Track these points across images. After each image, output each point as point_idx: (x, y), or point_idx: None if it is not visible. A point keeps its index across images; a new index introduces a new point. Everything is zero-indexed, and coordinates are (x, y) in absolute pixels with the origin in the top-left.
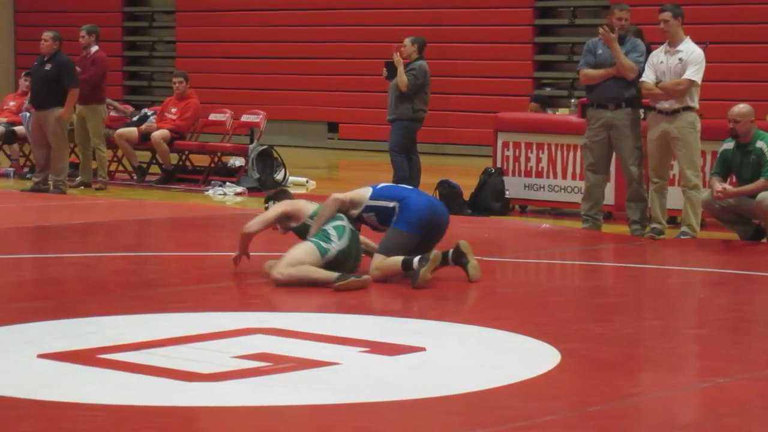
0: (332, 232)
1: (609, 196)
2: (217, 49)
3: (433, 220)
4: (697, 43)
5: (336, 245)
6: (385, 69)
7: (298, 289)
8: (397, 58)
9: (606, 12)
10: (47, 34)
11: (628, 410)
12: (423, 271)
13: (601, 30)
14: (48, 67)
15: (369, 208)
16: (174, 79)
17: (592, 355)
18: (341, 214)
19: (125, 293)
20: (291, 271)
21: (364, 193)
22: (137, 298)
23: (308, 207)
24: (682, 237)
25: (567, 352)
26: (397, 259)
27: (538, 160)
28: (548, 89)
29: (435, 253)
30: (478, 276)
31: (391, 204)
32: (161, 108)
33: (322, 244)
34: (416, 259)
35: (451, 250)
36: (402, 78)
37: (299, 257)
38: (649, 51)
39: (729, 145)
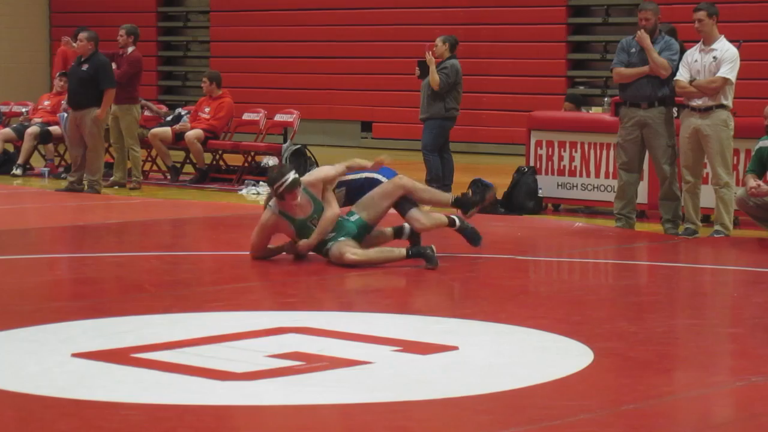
0: (353, 227)
1: (642, 194)
2: (250, 49)
3: None
4: (732, 41)
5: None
6: (417, 68)
7: (330, 288)
8: (429, 57)
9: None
10: (83, 35)
11: (661, 409)
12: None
13: (638, 34)
14: (85, 67)
15: (340, 184)
16: (203, 80)
17: (626, 353)
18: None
19: (159, 293)
20: (359, 254)
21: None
22: (171, 297)
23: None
24: (715, 236)
25: (600, 351)
26: (442, 217)
27: (572, 158)
28: (581, 88)
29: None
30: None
31: (361, 176)
32: (195, 108)
33: (350, 218)
34: (459, 222)
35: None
36: (434, 77)
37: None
38: (682, 50)
39: (765, 142)
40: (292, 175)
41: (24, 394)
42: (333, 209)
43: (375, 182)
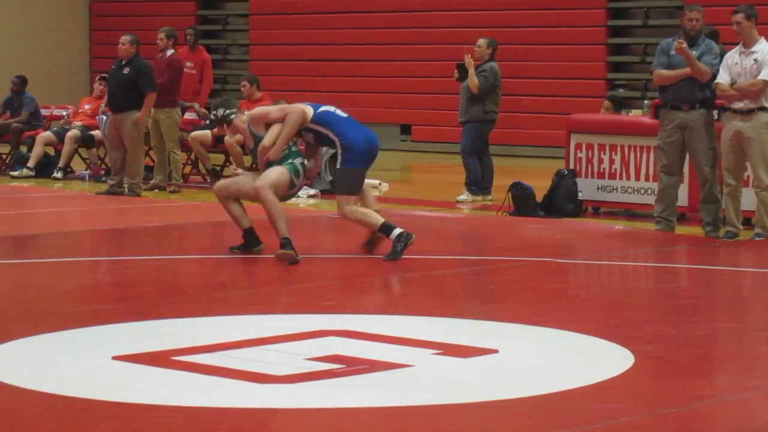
0: (300, 170)
1: (682, 197)
2: (290, 52)
3: (372, 151)
4: None
5: (298, 183)
6: (456, 71)
7: (370, 291)
8: (468, 60)
9: (679, 13)
10: (125, 38)
11: (702, 412)
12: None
13: (677, 45)
14: (126, 71)
15: (308, 129)
16: (241, 83)
17: (666, 357)
18: (298, 149)
19: (200, 295)
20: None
21: (308, 112)
22: (211, 300)
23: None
24: (756, 239)
25: (640, 354)
26: (379, 219)
27: (611, 161)
28: (621, 90)
29: (413, 236)
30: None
31: (331, 136)
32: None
33: (294, 178)
34: (396, 234)
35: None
36: (473, 80)
37: (275, 179)
38: (722, 52)
39: None
40: (236, 109)
41: (64, 397)
42: (264, 139)
43: (348, 144)
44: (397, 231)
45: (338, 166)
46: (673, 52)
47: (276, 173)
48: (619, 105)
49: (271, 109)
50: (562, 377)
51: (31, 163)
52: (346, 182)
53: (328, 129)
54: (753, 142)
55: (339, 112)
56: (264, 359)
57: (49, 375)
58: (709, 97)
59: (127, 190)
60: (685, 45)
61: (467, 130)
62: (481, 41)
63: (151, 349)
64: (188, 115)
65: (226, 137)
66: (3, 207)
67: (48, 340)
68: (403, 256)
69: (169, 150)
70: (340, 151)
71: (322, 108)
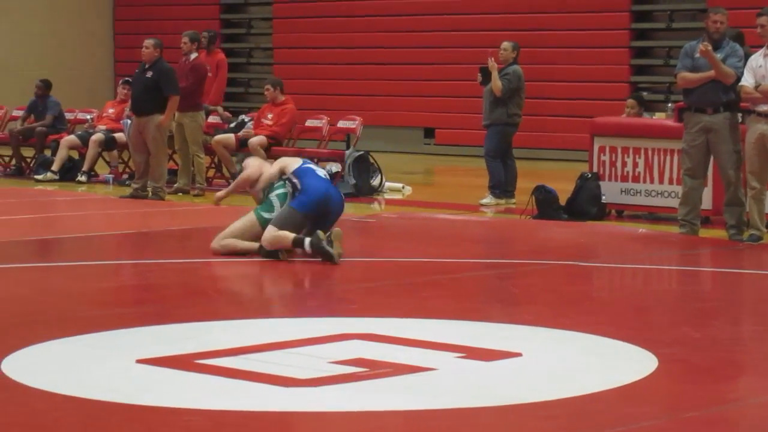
0: (275, 201)
1: (706, 200)
2: (313, 56)
3: (324, 206)
4: None
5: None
6: (479, 74)
7: (393, 294)
8: (491, 63)
9: (703, 15)
10: (148, 42)
11: (726, 416)
12: (337, 249)
13: (701, 48)
14: (149, 74)
15: (288, 180)
16: (265, 86)
17: (690, 360)
18: (282, 182)
19: (223, 299)
20: (222, 244)
21: (293, 165)
22: (235, 303)
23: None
24: None
25: (664, 357)
26: (289, 236)
27: (635, 164)
28: (645, 93)
29: (335, 231)
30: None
31: (299, 184)
32: (258, 114)
33: (264, 214)
34: (309, 242)
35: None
36: (496, 83)
37: (237, 229)
38: (747, 55)
39: None
40: None
41: (88, 400)
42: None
43: (306, 187)
44: (307, 240)
45: (287, 203)
46: (697, 55)
47: (242, 223)
48: (643, 103)
49: (251, 171)
50: (585, 380)
51: (55, 167)
52: (279, 215)
53: (298, 178)
54: None
55: (318, 170)
56: (287, 362)
57: (73, 378)
58: (733, 100)
59: (150, 193)
60: (709, 48)
61: (491, 133)
62: (505, 44)
63: (175, 352)
64: (212, 119)
65: (250, 140)
66: (28, 211)
67: (72, 343)
68: (426, 260)
69: (193, 153)
70: (298, 190)
71: (307, 165)
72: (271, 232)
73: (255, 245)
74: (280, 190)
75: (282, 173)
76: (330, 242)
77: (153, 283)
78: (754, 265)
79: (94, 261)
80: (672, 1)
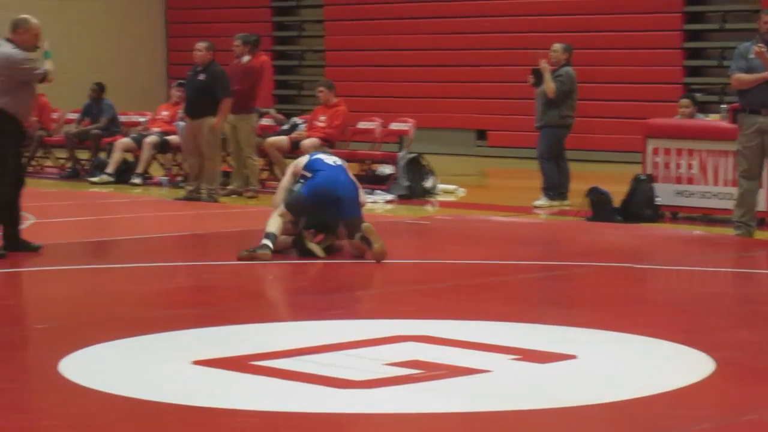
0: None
1: (762, 202)
2: (365, 58)
3: (333, 191)
4: None
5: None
6: (531, 76)
7: (448, 296)
8: (543, 65)
9: (756, 16)
10: (201, 44)
11: None
12: (376, 243)
13: (756, 49)
14: (201, 77)
15: (301, 176)
16: (317, 88)
17: (747, 363)
18: (299, 183)
19: (278, 300)
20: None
21: (302, 162)
22: (290, 305)
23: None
24: None
25: (721, 360)
26: (288, 239)
27: (689, 166)
28: (699, 95)
29: (365, 225)
30: (381, 257)
31: (310, 174)
32: (310, 116)
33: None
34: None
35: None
36: (549, 84)
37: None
38: None
39: None
40: None
41: (144, 401)
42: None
43: (316, 174)
44: (262, 241)
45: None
46: (751, 56)
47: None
48: (697, 104)
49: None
50: (641, 383)
51: (110, 169)
52: (292, 199)
53: (309, 170)
54: None
55: (328, 158)
56: (343, 364)
57: (129, 379)
58: None
59: (204, 195)
60: (764, 49)
61: (544, 134)
62: (557, 46)
63: (231, 354)
64: (265, 121)
65: (303, 141)
66: (83, 213)
67: (128, 344)
68: (480, 262)
69: (246, 156)
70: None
71: (316, 156)
72: (275, 212)
73: (290, 239)
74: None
75: (296, 176)
76: (366, 240)
77: (208, 285)
78: None
79: (149, 263)
80: (725, 2)
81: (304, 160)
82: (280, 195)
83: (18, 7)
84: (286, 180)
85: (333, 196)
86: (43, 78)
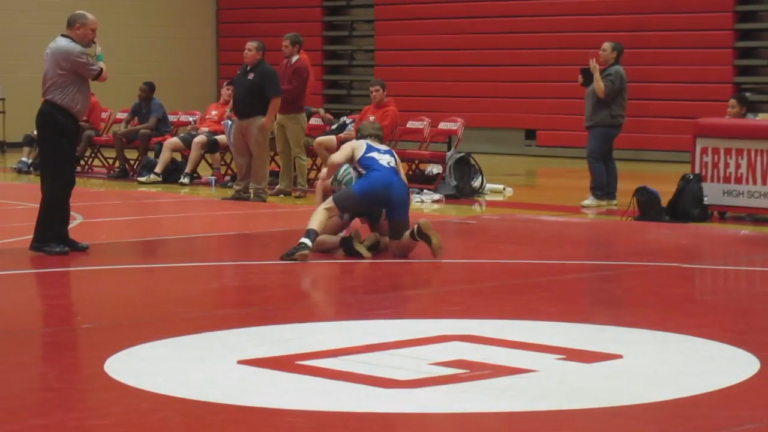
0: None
1: None
2: (415, 58)
3: (385, 195)
4: None
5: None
6: (580, 76)
7: (494, 296)
8: (593, 65)
9: None
10: (251, 44)
11: None
12: (435, 239)
13: None
14: (251, 76)
15: (354, 168)
16: (371, 88)
17: None
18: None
19: (324, 300)
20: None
21: (360, 151)
22: (336, 304)
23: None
24: None
25: (767, 360)
26: (336, 238)
27: (738, 165)
28: (749, 94)
29: (422, 222)
30: (440, 252)
31: (363, 171)
32: (360, 116)
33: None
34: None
35: (414, 228)
36: (599, 84)
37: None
38: None
39: None
40: None
41: (191, 401)
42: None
43: (368, 173)
44: (301, 240)
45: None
46: None
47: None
48: (746, 104)
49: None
50: (687, 383)
51: (158, 169)
52: (342, 195)
53: (362, 167)
54: None
55: (381, 159)
56: (388, 364)
57: (176, 379)
58: None
59: (252, 195)
60: None
61: (594, 134)
62: (606, 45)
63: (277, 353)
64: (314, 121)
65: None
66: (131, 212)
67: (174, 344)
68: (527, 261)
69: (295, 155)
70: (362, 174)
71: (370, 154)
72: (321, 206)
73: (337, 238)
74: (348, 176)
75: (351, 158)
76: (425, 236)
77: (255, 285)
78: None
79: (197, 262)
80: None
81: (361, 148)
82: (330, 170)
83: (70, 8)
84: (338, 156)
85: (384, 198)
86: (98, 74)
